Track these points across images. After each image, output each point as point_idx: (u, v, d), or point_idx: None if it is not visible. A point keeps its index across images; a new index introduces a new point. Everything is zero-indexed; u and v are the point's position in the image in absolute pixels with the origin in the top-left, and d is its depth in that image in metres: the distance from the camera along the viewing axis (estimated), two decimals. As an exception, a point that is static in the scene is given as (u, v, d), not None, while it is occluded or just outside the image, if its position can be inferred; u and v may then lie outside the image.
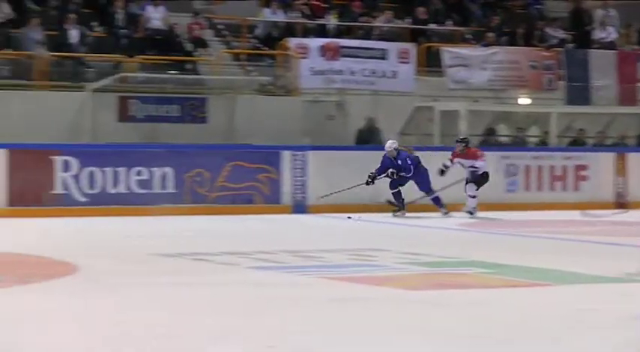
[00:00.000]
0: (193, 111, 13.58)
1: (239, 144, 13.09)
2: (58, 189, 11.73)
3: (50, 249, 8.52)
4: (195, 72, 14.36)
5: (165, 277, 6.76)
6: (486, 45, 15.81)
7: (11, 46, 13.92)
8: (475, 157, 12.38)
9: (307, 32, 15.35)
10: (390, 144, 11.74)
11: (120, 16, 14.81)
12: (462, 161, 12.29)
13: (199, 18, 15.27)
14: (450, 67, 14.85)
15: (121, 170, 11.70)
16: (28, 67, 13.56)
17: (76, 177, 11.73)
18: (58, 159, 11.78)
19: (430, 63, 15.32)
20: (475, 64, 15.16)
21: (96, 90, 13.27)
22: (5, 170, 11.69)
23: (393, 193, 11.87)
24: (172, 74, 14.12)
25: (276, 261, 7.64)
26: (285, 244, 8.87)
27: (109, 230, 10.34)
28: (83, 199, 11.63)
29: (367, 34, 15.49)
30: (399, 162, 11.45)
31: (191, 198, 11.57)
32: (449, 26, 16.51)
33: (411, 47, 14.84)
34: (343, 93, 14.31)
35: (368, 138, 13.70)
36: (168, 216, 11.32)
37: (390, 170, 11.55)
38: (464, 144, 12.47)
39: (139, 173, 11.81)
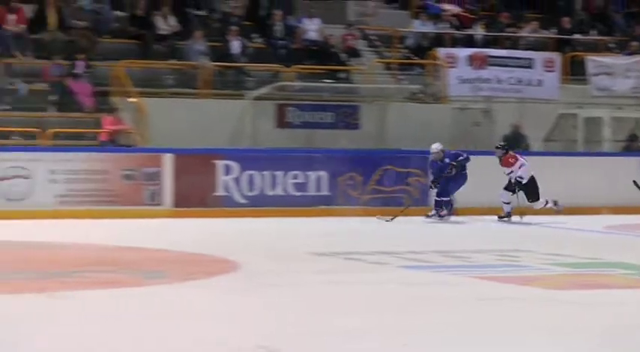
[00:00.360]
0: (346, 118, 14.19)
1: (390, 150, 13.70)
2: (220, 192, 12.37)
3: (212, 247, 8.92)
4: (348, 81, 15.00)
5: (320, 275, 6.97)
6: (630, 53, 16.13)
7: (177, 56, 14.89)
8: (508, 165, 12.13)
9: (456, 42, 16.05)
10: (436, 147, 11.54)
11: (278, 28, 15.68)
12: (502, 168, 12.18)
13: (353, 29, 16.01)
14: (594, 75, 15.23)
15: (279, 173, 12.30)
16: (193, 76, 14.46)
17: (237, 180, 12.34)
18: (220, 163, 12.43)
19: (574, 71, 15.73)
20: (618, 72, 15.49)
21: (255, 99, 14.08)
22: (171, 173, 12.38)
23: (439, 200, 11.60)
24: (327, 83, 14.78)
25: (426, 261, 7.76)
26: (433, 245, 9.05)
27: (267, 230, 10.70)
28: (243, 201, 12.23)
29: (514, 44, 15.96)
30: (447, 160, 11.27)
31: (344, 200, 11.95)
32: (593, 36, 16.92)
33: (556, 56, 15.36)
34: (490, 100, 14.71)
35: (513, 144, 13.73)
36: (322, 217, 11.62)
37: (447, 170, 11.43)
38: (503, 151, 12.14)
39: (295, 176, 12.37)
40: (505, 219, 11.86)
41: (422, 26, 15.75)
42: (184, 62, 15.08)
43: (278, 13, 15.83)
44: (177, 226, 11.48)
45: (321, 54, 15.70)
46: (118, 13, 15.73)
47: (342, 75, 15.24)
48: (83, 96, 13.60)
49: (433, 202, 11.91)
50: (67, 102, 13.60)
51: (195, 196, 12.47)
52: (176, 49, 15.21)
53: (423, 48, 15.36)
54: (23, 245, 9.23)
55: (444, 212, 11.53)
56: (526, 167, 11.96)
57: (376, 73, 15.75)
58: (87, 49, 14.30)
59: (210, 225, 11.20)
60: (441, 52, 15.24)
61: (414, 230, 10.98)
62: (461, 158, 11.36)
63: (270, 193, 12.47)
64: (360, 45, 16.29)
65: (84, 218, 11.40)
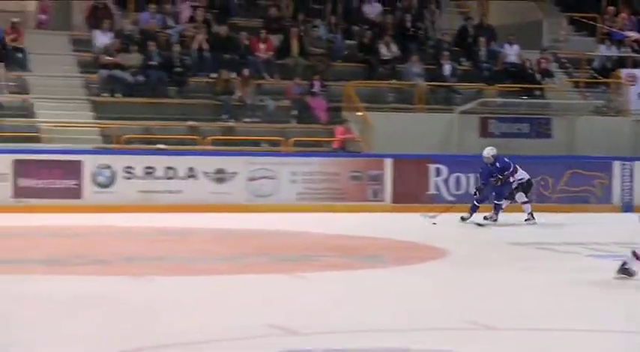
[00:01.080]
0: (540, 128, 15.51)
1: (577, 156, 14.84)
2: (432, 190, 13.91)
3: (424, 237, 9.89)
4: (542, 97, 16.51)
5: (518, 262, 7.70)
6: None
7: (397, 77, 16.53)
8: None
9: (636, 64, 17.21)
10: (488, 151, 11.67)
11: (483, 53, 17.30)
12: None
13: (547, 54, 17.54)
14: None
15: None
16: (410, 94, 16.06)
17: (446, 181, 13.88)
18: (432, 167, 13.97)
19: None
20: None
21: (462, 112, 15.51)
22: (391, 175, 14.02)
23: (497, 204, 11.64)
24: (524, 99, 16.15)
25: (610, 251, 8.23)
26: (616, 237, 9.35)
27: (470, 223, 11.73)
28: (451, 198, 13.59)
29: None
30: (498, 164, 11.34)
31: (537, 198, 13.10)
32: None
33: None
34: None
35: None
36: (515, 213, 12.26)
37: (495, 174, 11.46)
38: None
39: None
40: (530, 219, 11.79)
41: (606, 50, 17.28)
42: (403, 82, 16.71)
43: (483, 40, 17.35)
44: (396, 219, 12.76)
45: (519, 74, 16.98)
46: (349, 41, 17.40)
47: (537, 92, 16.63)
48: (319, 110, 15.32)
49: (492, 205, 11.94)
50: (305, 115, 15.33)
51: (410, 194, 13.92)
52: (396, 71, 16.77)
53: (607, 69, 17.01)
54: (269, 233, 10.67)
55: (495, 216, 11.56)
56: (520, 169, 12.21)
57: (566, 90, 17.38)
58: (322, 72, 16.00)
59: (422, 219, 11.96)
60: (623, 72, 16.73)
61: (598, 224, 11.54)
62: (507, 172, 11.28)
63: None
64: (553, 67, 17.77)
65: (318, 212, 12.85)
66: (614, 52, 17.25)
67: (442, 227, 11.00)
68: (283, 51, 15.88)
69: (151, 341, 4.27)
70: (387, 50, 16.17)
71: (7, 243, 9.26)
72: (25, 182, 12.13)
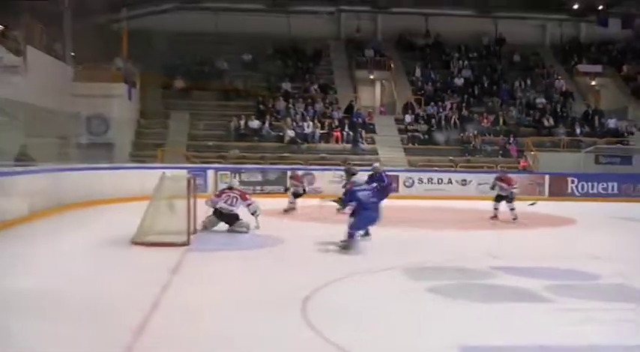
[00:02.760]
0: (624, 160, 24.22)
1: None
2: (568, 190, 22.59)
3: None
4: (628, 144, 24.93)
5: None
6: None
7: (551, 135, 25.30)
8: (510, 183, 14.97)
9: None
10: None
11: (596, 123, 25.86)
12: (503, 185, 15.01)
13: (631, 122, 25.64)
14: None
15: None
16: (557, 144, 24.89)
17: (576, 186, 22.78)
18: (569, 179, 22.42)
19: None
20: None
21: (586, 152, 23.76)
22: (547, 183, 22.59)
23: None
24: (620, 146, 24.48)
25: None
26: None
27: None
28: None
29: None
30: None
31: None
32: None
33: None
34: None
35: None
36: None
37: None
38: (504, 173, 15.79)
39: None
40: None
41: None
42: (553, 137, 25.25)
43: (596, 117, 25.79)
44: (551, 205, 18.50)
45: (615, 133, 25.16)
46: (527, 117, 27.00)
47: (624, 143, 24.68)
48: (512, 151, 24.60)
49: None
50: (506, 154, 24.56)
51: (558, 192, 22.01)
52: (551, 131, 25.90)
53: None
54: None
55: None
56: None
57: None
58: (514, 132, 25.35)
59: None
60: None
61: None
62: None
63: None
64: (634, 129, 25.35)
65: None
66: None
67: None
68: (495, 122, 27.08)
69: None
70: (547, 122, 26.84)
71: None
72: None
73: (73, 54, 23.81)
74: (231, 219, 12.25)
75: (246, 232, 11.96)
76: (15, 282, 7.55)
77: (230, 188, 12.63)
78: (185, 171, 15.13)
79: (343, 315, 6.35)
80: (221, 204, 12.24)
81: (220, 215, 12.29)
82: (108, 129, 22.41)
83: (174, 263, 8.86)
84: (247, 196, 12.58)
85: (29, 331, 5.59)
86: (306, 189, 16.76)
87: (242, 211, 12.33)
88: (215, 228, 12.08)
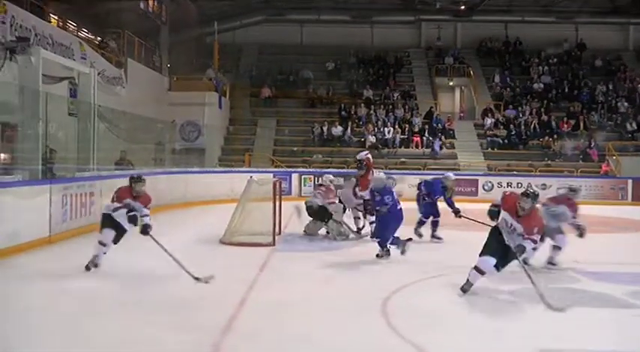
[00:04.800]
0: None
1: None
2: None
3: None
4: None
5: None
6: None
7: (633, 139, 24.60)
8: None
9: None
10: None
11: None
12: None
13: None
14: None
15: None
16: (637, 147, 24.45)
17: None
18: None
19: None
20: None
21: None
22: (630, 187, 21.49)
23: None
24: None
25: None
26: None
27: None
28: None
29: None
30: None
31: None
32: None
33: None
34: None
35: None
36: None
37: None
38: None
39: None
40: None
41: None
42: (634, 142, 24.55)
43: None
44: (634, 209, 18.41)
45: None
46: (609, 122, 25.87)
47: None
48: (593, 155, 23.91)
49: None
50: (587, 158, 23.76)
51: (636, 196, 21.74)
52: (635, 136, 24.98)
53: None
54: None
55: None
56: None
57: None
58: (595, 137, 24.53)
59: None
60: None
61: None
62: None
63: None
64: None
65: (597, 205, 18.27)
66: None
67: None
68: (575, 128, 26.38)
69: None
70: (630, 126, 26.07)
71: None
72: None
73: (168, 65, 24.52)
74: (321, 213, 11.54)
75: (343, 239, 11.35)
76: (105, 280, 7.65)
77: (320, 185, 12.27)
78: (271, 175, 15.18)
79: (423, 318, 6.21)
80: (311, 200, 11.73)
81: (313, 212, 11.66)
82: (200, 135, 23.00)
83: (260, 262, 8.89)
84: (331, 195, 11.71)
85: (116, 327, 5.66)
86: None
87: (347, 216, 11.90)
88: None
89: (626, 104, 27.60)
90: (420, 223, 11.44)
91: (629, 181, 22.33)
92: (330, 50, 30.07)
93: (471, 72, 29.98)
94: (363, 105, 27.30)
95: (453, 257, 9.59)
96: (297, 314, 6.27)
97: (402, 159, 24.55)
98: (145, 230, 7.71)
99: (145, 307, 6.38)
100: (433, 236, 11.50)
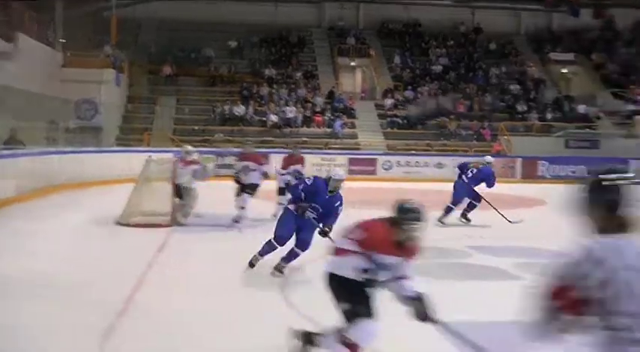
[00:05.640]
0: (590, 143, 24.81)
1: None
2: (539, 172, 23.63)
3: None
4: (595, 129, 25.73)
5: None
6: None
7: (523, 120, 26.11)
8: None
9: None
10: None
11: (567, 109, 26.36)
12: None
13: (599, 109, 26.18)
14: None
15: None
16: (529, 128, 25.63)
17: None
18: (539, 163, 23.73)
19: None
20: None
21: (556, 137, 24.80)
22: (520, 166, 22.94)
23: None
24: (587, 131, 25.35)
25: None
26: None
27: None
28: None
29: None
30: None
31: None
32: None
33: None
34: None
35: None
36: None
37: None
38: None
39: None
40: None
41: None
42: (525, 122, 25.77)
43: (566, 102, 26.32)
44: (522, 186, 21.30)
45: (585, 119, 25.67)
46: (502, 103, 27.16)
47: (593, 128, 25.31)
48: (487, 136, 25.38)
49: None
50: (480, 138, 25.58)
51: (527, 175, 23.64)
52: (524, 117, 26.40)
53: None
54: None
55: None
56: None
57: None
58: (489, 118, 26.01)
59: None
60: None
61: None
62: None
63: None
64: (602, 115, 25.92)
65: None
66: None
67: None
68: (470, 109, 27.41)
69: None
70: (520, 108, 27.08)
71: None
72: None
73: (63, 40, 23.56)
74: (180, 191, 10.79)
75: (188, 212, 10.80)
76: (1, 262, 7.45)
77: (182, 159, 11.31)
78: (171, 154, 14.97)
79: (321, 293, 6.33)
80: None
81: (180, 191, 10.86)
82: (96, 113, 22.32)
83: (159, 243, 8.81)
84: (189, 168, 10.93)
85: (13, 311, 5.53)
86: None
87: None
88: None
89: (517, 86, 28.76)
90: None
91: (519, 160, 23.56)
92: (232, 28, 29.72)
93: (372, 53, 30.42)
94: (265, 84, 27.25)
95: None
96: (194, 293, 6.29)
97: (304, 139, 24.59)
98: None
99: (38, 286, 6.24)
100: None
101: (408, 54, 30.53)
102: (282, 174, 11.80)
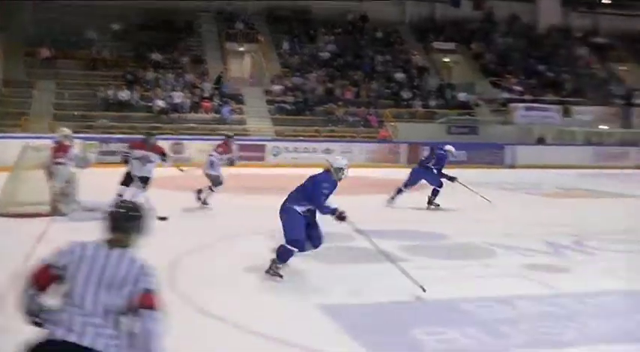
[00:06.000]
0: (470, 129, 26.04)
1: None
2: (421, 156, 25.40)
3: None
4: (475, 116, 27.11)
5: None
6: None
7: (409, 107, 27.15)
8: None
9: None
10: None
11: (449, 96, 27.46)
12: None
13: (478, 96, 27.67)
14: None
15: None
16: (413, 115, 26.39)
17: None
18: (421, 148, 25.60)
19: None
20: None
21: (439, 123, 25.83)
22: (406, 151, 23.59)
23: None
24: (468, 117, 26.84)
25: None
26: None
27: None
28: None
29: None
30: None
31: None
32: None
33: None
34: None
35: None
36: None
37: None
38: None
39: None
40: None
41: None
42: (411, 109, 26.74)
43: (449, 90, 27.31)
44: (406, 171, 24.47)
45: (464, 106, 27.01)
46: (387, 90, 27.81)
47: (472, 114, 26.78)
48: (373, 122, 25.80)
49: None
50: (367, 125, 26.13)
51: (411, 159, 25.28)
52: (409, 104, 26.99)
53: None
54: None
55: None
56: None
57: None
58: (374, 104, 26.89)
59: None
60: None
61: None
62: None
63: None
64: (481, 102, 27.59)
65: (374, 167, 22.58)
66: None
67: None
68: (357, 96, 27.97)
69: None
70: (405, 95, 28.23)
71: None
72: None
73: None
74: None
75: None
76: None
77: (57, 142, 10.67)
78: (50, 140, 14.26)
79: (208, 278, 6.32)
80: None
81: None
82: (-33, 97, 20.89)
83: (37, 233, 8.42)
84: (61, 153, 10.38)
85: None
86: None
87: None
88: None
89: (402, 74, 29.44)
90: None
91: (404, 145, 24.24)
92: (116, 11, 28.56)
93: (261, 38, 30.25)
94: (151, 69, 26.53)
95: (245, 221, 9.74)
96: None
97: (192, 125, 24.37)
98: None
99: None
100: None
101: (296, 40, 30.54)
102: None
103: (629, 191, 16.71)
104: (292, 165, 21.67)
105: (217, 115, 25.10)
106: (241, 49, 30.33)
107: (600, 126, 28.71)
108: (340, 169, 6.50)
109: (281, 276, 6.38)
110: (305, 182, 6.51)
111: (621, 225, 10.81)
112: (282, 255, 6.36)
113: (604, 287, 6.43)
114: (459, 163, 23.33)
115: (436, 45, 32.13)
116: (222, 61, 29.21)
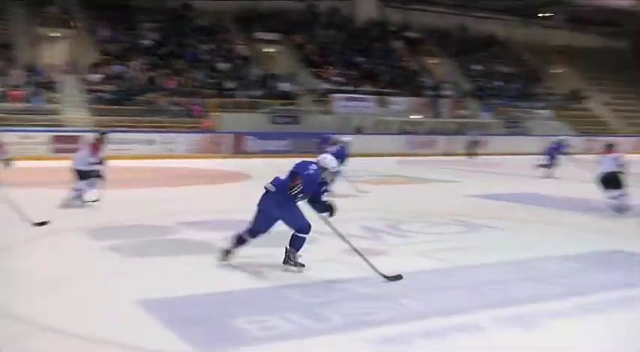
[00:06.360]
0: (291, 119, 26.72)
1: None
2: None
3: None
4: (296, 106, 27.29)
5: None
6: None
7: (234, 97, 27.11)
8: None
9: None
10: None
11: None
12: None
13: (303, 87, 28.13)
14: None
15: None
16: (240, 104, 26.24)
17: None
18: (245, 137, 24.79)
19: None
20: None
21: (263, 113, 25.89)
22: (232, 143, 23.80)
23: None
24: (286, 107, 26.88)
25: None
26: None
27: None
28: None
29: None
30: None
31: None
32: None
33: None
34: None
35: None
36: None
37: None
38: None
39: None
40: None
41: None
42: (238, 99, 26.59)
43: (271, 81, 27.11)
44: (234, 161, 23.32)
45: (286, 96, 27.39)
46: (210, 80, 27.24)
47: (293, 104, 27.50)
48: (197, 112, 25.22)
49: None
50: (190, 114, 25.30)
51: (234, 150, 25.15)
52: (234, 94, 27.35)
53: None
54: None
55: None
56: None
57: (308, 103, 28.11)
58: (197, 94, 26.15)
59: None
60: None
61: None
62: None
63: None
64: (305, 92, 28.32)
65: (201, 158, 22.98)
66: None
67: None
68: (181, 85, 27.87)
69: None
70: (229, 85, 28.19)
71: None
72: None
73: None
74: None
75: None
76: None
77: None
78: None
79: (23, 280, 5.93)
80: None
81: None
82: None
83: None
84: None
85: None
86: None
87: None
88: None
89: (226, 64, 29.31)
90: None
91: (229, 135, 24.32)
92: None
93: (77, 24, 28.69)
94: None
95: (59, 218, 9.19)
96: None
97: (1, 115, 22.63)
98: None
99: None
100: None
101: (116, 27, 29.27)
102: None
103: (438, 176, 17.93)
104: (113, 157, 20.75)
105: (29, 105, 23.45)
106: (55, 34, 28.50)
107: (412, 116, 30.40)
108: (326, 170, 6.53)
109: (303, 265, 6.45)
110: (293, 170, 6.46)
111: (432, 208, 11.56)
112: (297, 244, 6.47)
113: (419, 267, 6.80)
114: (283, 152, 24.26)
115: (259, 35, 32.31)
116: (35, 46, 27.26)
